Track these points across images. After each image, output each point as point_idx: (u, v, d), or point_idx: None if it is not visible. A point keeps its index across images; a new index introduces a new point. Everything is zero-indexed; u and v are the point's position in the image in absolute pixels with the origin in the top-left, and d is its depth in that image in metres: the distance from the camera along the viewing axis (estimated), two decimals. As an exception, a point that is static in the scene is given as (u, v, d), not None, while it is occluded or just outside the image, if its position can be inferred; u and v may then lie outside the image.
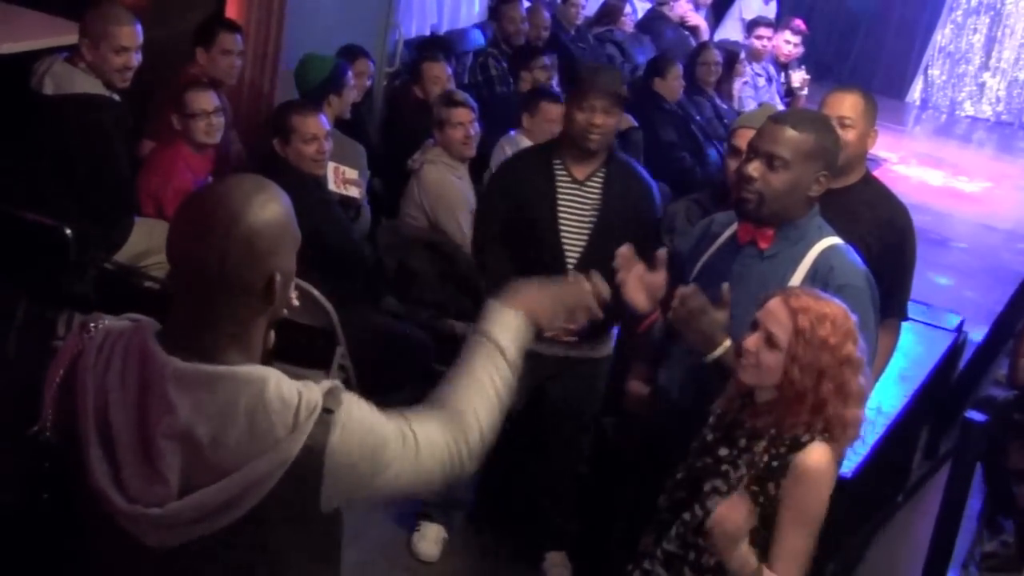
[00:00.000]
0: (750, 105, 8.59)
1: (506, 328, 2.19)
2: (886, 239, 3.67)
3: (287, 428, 1.85)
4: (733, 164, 3.51)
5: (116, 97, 4.48)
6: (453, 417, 2.05)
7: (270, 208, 1.91)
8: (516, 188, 4.11)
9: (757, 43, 9.04)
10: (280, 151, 4.64)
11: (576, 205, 4.04)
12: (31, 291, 4.78)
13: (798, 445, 2.69)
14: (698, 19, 9.88)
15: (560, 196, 4.02)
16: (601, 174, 4.04)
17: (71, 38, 4.65)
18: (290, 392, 1.88)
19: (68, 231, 4.32)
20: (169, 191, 4.76)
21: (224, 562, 1.91)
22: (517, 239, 4.07)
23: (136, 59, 4.51)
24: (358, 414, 1.94)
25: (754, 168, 3.04)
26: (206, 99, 4.88)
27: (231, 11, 5.98)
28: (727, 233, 3.22)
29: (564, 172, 4.04)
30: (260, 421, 1.85)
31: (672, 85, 7.38)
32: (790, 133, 3.03)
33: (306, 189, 4.61)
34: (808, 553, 2.75)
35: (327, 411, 1.88)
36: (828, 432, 2.69)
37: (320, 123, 4.68)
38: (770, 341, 2.69)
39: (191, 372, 1.85)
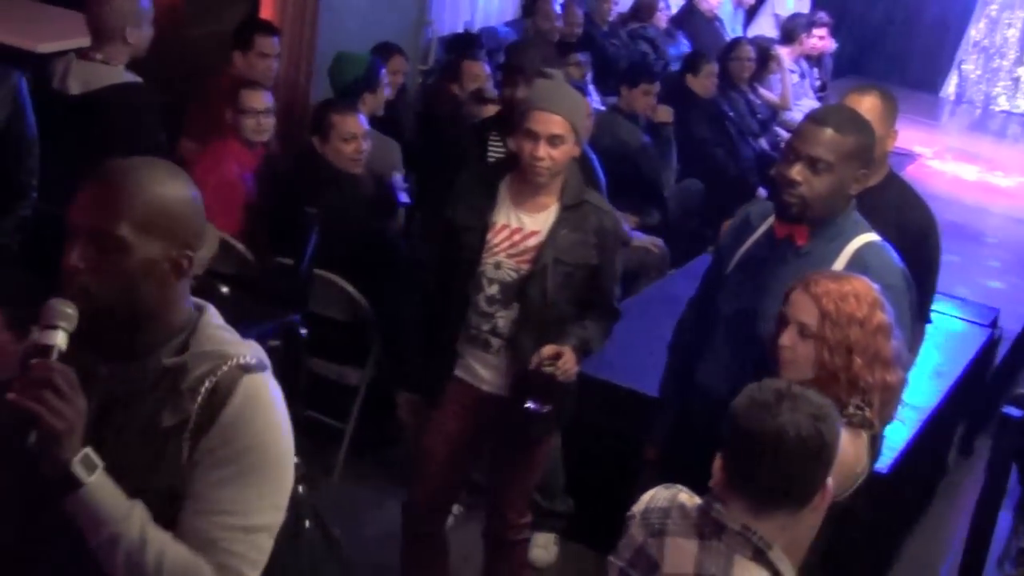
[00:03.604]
0: (784, 101, 8.58)
1: None
2: (907, 241, 3.50)
3: None
4: (527, 146, 3.33)
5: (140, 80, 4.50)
6: None
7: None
8: None
9: (819, 43, 9.12)
10: (318, 148, 4.68)
11: None
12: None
13: None
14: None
15: None
16: None
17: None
18: None
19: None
20: (213, 178, 4.76)
21: None
22: None
23: None
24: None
25: (797, 172, 2.98)
26: (258, 99, 4.95)
27: (265, 11, 6.02)
28: (764, 227, 3.18)
29: None
30: None
31: (705, 82, 7.38)
32: (832, 135, 2.98)
33: (342, 187, 4.65)
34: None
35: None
36: (867, 403, 2.67)
37: (359, 122, 4.72)
38: (803, 332, 2.71)
39: None
